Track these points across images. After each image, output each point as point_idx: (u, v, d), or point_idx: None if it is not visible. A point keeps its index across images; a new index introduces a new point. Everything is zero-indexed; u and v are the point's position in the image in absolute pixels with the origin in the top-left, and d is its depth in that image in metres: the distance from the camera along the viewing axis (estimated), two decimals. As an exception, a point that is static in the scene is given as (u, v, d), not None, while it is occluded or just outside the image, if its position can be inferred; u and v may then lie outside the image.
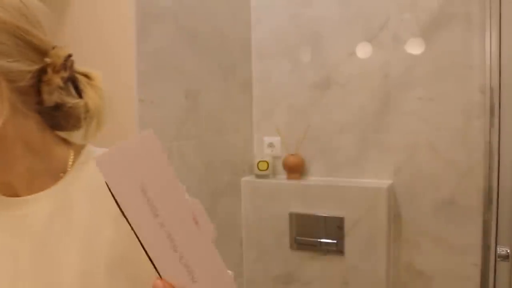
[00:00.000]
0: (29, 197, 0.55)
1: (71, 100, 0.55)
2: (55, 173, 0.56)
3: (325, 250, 1.60)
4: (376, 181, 1.61)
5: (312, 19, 1.69)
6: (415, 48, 1.54)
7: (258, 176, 1.75)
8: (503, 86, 1.37)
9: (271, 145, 1.79)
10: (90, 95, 0.57)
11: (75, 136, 0.60)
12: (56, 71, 0.53)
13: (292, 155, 1.71)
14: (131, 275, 0.54)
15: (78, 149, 0.60)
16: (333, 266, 1.59)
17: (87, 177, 0.57)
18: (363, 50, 1.62)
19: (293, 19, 1.72)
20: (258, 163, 1.73)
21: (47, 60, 0.52)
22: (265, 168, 1.73)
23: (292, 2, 1.72)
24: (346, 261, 1.57)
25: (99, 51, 1.25)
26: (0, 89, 0.49)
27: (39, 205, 0.54)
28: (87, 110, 0.56)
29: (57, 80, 0.53)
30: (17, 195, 0.56)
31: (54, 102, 0.53)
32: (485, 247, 1.42)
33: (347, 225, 1.56)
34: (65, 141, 0.60)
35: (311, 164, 1.74)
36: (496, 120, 1.37)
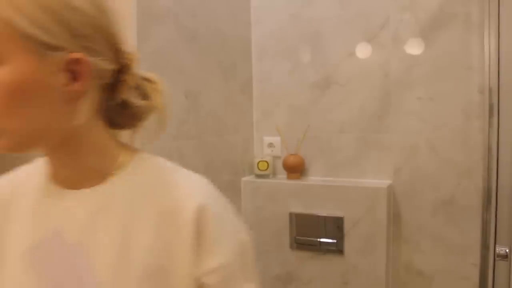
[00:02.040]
0: (75, 191, 0.56)
1: (139, 101, 0.58)
2: (105, 173, 0.57)
3: (325, 249, 1.60)
4: (375, 181, 1.61)
5: (312, 19, 1.69)
6: (414, 48, 1.55)
7: (258, 176, 1.75)
8: (501, 86, 1.37)
9: (271, 145, 1.80)
10: (155, 98, 0.60)
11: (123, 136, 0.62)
12: (130, 72, 0.57)
13: (292, 155, 1.71)
14: (163, 286, 0.54)
15: (131, 153, 0.60)
16: (333, 265, 1.60)
17: (134, 182, 0.57)
18: (363, 50, 1.63)
19: (293, 19, 1.73)
20: (258, 163, 1.74)
21: (125, 61, 0.56)
22: (265, 168, 1.73)
23: (292, 2, 1.73)
24: (345, 261, 1.57)
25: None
26: (92, 85, 0.52)
27: (82, 201, 0.55)
28: (150, 111, 0.59)
29: (132, 80, 0.57)
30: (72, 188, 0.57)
31: (121, 100, 0.56)
32: (484, 247, 1.42)
33: (346, 225, 1.56)
34: (121, 143, 0.61)
35: (311, 164, 1.74)
36: (495, 120, 1.37)
